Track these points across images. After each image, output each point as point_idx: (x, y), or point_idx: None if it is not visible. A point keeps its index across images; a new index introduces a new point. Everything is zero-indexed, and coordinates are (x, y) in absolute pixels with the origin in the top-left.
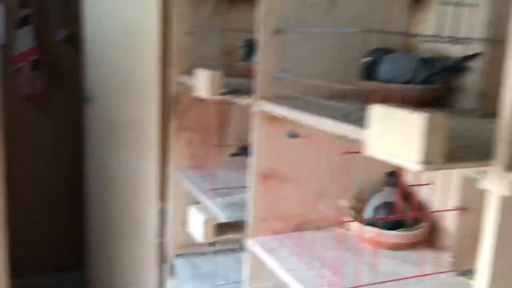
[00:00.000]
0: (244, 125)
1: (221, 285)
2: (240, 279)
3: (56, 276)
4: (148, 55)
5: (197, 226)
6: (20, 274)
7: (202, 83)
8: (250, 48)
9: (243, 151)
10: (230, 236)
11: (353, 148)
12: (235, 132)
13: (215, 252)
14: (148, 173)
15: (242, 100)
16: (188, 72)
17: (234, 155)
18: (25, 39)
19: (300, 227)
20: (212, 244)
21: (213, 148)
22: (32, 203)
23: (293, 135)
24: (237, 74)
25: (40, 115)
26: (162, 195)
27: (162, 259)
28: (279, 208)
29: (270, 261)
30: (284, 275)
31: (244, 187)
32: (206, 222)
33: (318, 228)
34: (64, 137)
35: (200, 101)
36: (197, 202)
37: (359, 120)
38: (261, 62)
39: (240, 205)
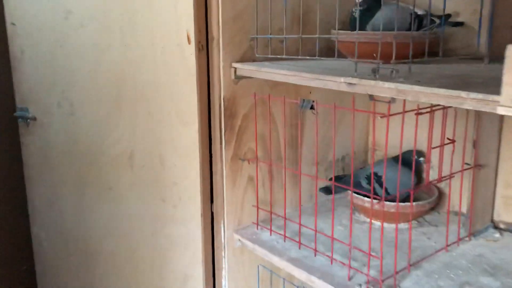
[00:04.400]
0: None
1: None
2: None
3: None
4: (166, 33)
5: None
6: None
7: None
8: (370, 8)
9: (343, 182)
10: None
11: None
12: (320, 153)
13: None
14: (182, 244)
15: None
16: (245, 57)
17: (326, 191)
18: None
19: None
20: None
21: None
22: None
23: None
24: (326, 52)
25: None
26: (215, 283)
27: None
28: None
29: None
30: None
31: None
32: None
33: None
34: None
35: (264, 106)
36: None
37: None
38: None
39: None
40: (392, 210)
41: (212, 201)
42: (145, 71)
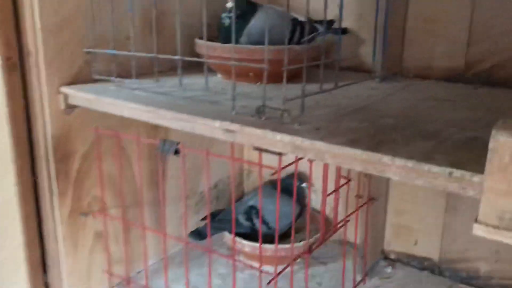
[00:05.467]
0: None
1: None
2: None
3: None
4: None
5: None
6: None
7: None
8: (244, 13)
9: (219, 222)
10: None
11: None
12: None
13: None
14: None
15: None
16: (80, 77)
17: (198, 235)
18: None
19: None
20: None
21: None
22: None
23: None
24: (190, 63)
25: None
26: None
27: None
28: None
29: None
30: None
31: None
32: None
33: None
34: None
35: (111, 139)
36: None
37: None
38: None
39: None
40: (279, 253)
41: (45, 272)
42: None
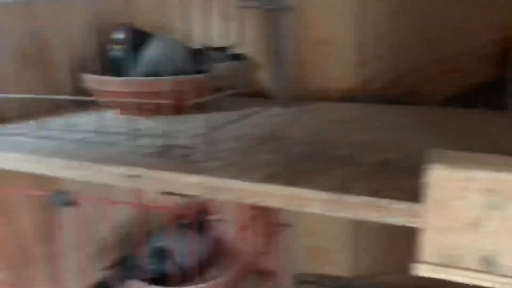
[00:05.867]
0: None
1: None
2: None
3: None
4: None
5: None
6: None
7: None
8: (135, 44)
9: (126, 268)
10: None
11: None
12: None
13: None
14: None
15: None
16: None
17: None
18: None
19: None
20: None
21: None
22: None
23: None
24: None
25: None
26: None
27: None
28: None
29: None
30: None
31: None
32: None
33: None
34: None
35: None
36: None
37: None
38: None
39: None
40: None
41: None
42: None
